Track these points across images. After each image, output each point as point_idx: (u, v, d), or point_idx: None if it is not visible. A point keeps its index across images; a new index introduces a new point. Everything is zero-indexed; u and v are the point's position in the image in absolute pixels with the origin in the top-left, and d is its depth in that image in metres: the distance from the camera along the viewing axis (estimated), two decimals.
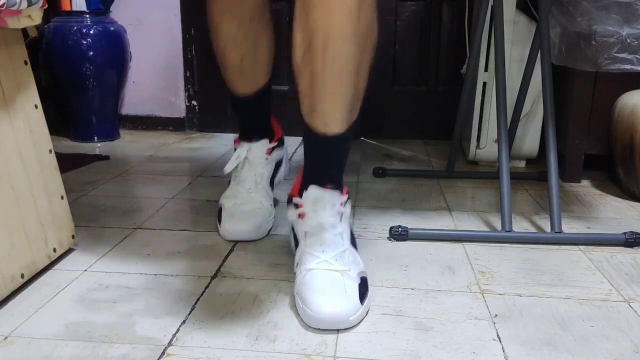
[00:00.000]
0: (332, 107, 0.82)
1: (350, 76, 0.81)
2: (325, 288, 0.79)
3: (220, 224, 1.11)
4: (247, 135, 1.15)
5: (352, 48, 0.78)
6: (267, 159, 1.15)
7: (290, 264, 0.96)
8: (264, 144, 1.15)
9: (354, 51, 0.79)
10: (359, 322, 0.80)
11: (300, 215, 0.89)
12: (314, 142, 0.87)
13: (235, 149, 1.16)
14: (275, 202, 1.21)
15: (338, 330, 0.78)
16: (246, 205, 1.11)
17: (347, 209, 0.91)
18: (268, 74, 1.12)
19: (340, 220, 0.88)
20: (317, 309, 0.76)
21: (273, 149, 1.17)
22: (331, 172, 0.90)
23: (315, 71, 0.79)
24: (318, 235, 0.85)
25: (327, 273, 0.81)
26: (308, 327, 0.79)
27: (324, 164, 0.90)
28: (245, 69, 1.07)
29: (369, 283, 0.87)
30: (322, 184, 0.87)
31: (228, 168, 1.13)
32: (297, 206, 0.91)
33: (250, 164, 1.14)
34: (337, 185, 0.89)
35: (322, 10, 0.76)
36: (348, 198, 0.92)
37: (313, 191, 0.87)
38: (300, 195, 0.90)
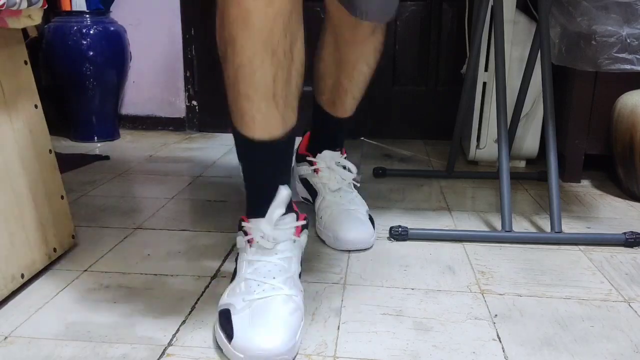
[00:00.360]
0: (352, 101, 1.13)
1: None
2: (353, 218, 1.06)
3: (229, 340, 0.71)
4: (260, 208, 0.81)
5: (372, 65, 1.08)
6: (294, 241, 0.82)
7: None
8: (289, 221, 0.82)
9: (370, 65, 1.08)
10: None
11: (316, 171, 1.14)
12: (333, 124, 1.15)
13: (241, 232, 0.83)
14: None
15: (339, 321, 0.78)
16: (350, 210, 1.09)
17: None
18: (297, 107, 0.80)
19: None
20: (347, 235, 1.03)
21: (302, 227, 0.85)
22: (341, 141, 1.18)
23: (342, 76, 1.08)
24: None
25: (349, 212, 1.07)
26: (307, 330, 0.79)
27: (339, 138, 1.18)
28: (277, 94, 0.74)
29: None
30: (334, 149, 1.15)
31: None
32: (311, 163, 1.15)
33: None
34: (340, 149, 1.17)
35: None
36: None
37: (330, 155, 1.14)
38: (314, 156, 1.16)
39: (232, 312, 0.73)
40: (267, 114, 0.75)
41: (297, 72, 0.77)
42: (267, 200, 0.78)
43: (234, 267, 0.83)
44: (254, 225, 0.79)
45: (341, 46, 1.03)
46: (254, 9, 0.69)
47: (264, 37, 0.70)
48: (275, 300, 0.73)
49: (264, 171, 0.81)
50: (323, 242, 1.08)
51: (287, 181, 0.81)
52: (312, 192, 1.19)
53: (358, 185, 1.17)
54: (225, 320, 0.73)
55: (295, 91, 0.77)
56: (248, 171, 0.82)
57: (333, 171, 1.13)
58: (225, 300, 0.77)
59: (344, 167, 1.14)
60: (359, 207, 1.10)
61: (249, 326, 0.70)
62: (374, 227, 1.09)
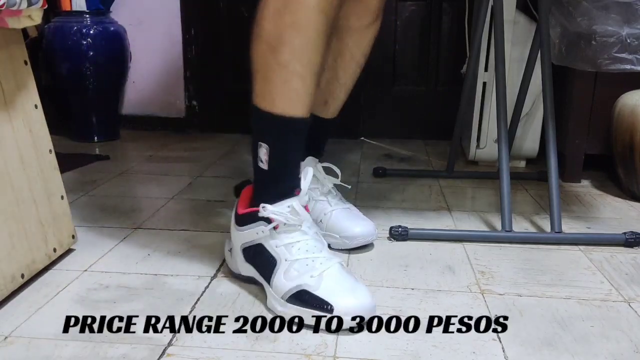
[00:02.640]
0: (342, 97, 1.11)
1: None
2: (354, 217, 1.07)
3: (330, 311, 0.77)
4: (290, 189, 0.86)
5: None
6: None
7: None
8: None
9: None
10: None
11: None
12: (323, 126, 1.11)
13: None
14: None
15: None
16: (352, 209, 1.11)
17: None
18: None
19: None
20: (355, 231, 1.04)
21: None
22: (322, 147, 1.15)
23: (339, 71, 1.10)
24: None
25: (347, 210, 1.08)
26: (307, 330, 0.79)
27: (325, 140, 1.16)
28: (320, 72, 0.84)
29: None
30: (318, 156, 1.11)
31: None
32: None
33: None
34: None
35: None
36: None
37: (311, 159, 1.08)
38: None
39: (310, 290, 0.79)
40: (313, 92, 0.82)
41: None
42: (297, 179, 0.86)
43: (258, 259, 0.86)
44: (279, 209, 0.83)
45: (344, 36, 1.03)
46: None
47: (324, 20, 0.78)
48: (337, 268, 0.82)
49: (299, 148, 0.87)
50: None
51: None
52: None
53: (349, 187, 1.19)
54: (309, 299, 0.78)
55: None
56: (284, 152, 0.85)
57: (321, 174, 1.10)
58: (287, 285, 0.81)
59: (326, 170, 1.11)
60: (350, 205, 1.12)
61: (340, 293, 0.78)
62: None
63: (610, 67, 1.33)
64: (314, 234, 0.86)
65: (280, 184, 0.85)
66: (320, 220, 1.08)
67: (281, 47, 0.78)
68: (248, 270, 0.89)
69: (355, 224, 1.06)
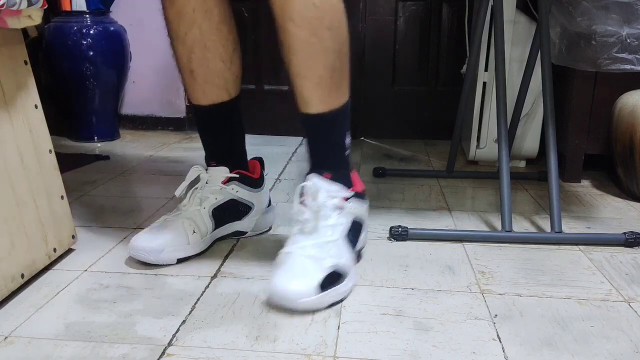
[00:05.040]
0: (304, 88, 0.87)
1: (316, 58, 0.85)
2: (289, 267, 0.84)
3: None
4: (206, 158, 1.07)
5: (308, 32, 0.83)
6: (220, 188, 1.04)
7: None
8: (220, 170, 1.04)
9: (312, 34, 0.83)
10: (315, 311, 0.82)
11: (302, 202, 0.91)
12: (301, 123, 0.92)
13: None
14: (270, 202, 1.18)
15: (325, 321, 0.78)
16: (163, 221, 1.01)
17: (354, 206, 0.94)
18: (224, 88, 1.01)
19: (338, 213, 0.90)
20: (274, 283, 0.82)
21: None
22: (328, 161, 0.93)
23: (283, 54, 0.87)
24: (307, 223, 0.88)
25: (299, 257, 0.85)
26: (306, 330, 0.79)
27: (318, 150, 0.93)
28: (195, 71, 1.00)
29: (349, 281, 0.87)
30: (320, 172, 0.91)
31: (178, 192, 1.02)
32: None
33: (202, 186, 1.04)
34: (337, 177, 0.92)
35: None
36: (359, 197, 0.96)
37: (311, 178, 0.90)
38: None
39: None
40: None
41: None
42: None
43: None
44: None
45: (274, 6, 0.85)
46: None
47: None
48: None
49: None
50: None
51: None
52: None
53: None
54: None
55: None
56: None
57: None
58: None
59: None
60: (325, 255, 0.87)
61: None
62: (331, 286, 0.84)
63: (610, 67, 1.33)
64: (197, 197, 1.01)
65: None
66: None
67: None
68: None
69: (283, 276, 0.83)
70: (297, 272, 0.83)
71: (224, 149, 1.07)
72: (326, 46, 0.83)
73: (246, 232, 1.10)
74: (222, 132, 1.06)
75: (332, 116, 0.89)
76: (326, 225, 0.88)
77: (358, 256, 1.01)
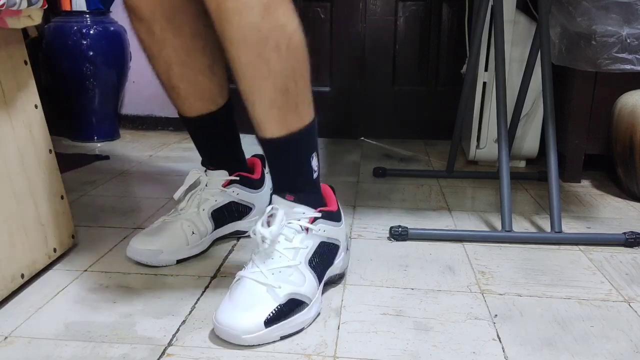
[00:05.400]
0: (255, 112, 0.80)
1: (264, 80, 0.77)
2: (238, 298, 0.77)
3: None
4: (203, 163, 1.08)
5: (253, 54, 0.75)
6: (220, 191, 1.04)
7: None
8: (220, 174, 1.05)
9: (256, 56, 0.75)
10: (261, 344, 0.74)
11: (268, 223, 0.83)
12: (262, 148, 0.85)
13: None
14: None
15: (323, 327, 0.78)
16: (162, 223, 1.00)
17: (323, 227, 0.86)
18: (209, 99, 0.99)
19: (303, 236, 0.83)
20: (218, 317, 0.75)
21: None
22: (289, 183, 0.85)
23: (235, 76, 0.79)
24: (264, 246, 0.80)
25: (252, 284, 0.78)
26: (307, 330, 0.79)
27: (279, 173, 0.86)
28: (176, 87, 0.97)
29: (311, 309, 0.80)
30: (282, 195, 0.84)
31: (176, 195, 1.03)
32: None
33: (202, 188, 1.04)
34: (301, 198, 0.84)
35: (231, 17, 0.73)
36: (330, 217, 0.87)
37: (273, 200, 0.85)
38: None
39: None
40: None
41: None
42: None
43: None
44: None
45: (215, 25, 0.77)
46: None
47: None
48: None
49: None
50: None
51: None
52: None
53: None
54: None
55: None
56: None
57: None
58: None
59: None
60: (281, 283, 0.79)
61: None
62: (283, 319, 0.76)
63: (610, 67, 1.33)
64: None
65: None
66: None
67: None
68: None
69: (229, 310, 0.76)
70: (245, 304, 0.75)
71: (219, 155, 1.06)
72: (274, 68, 0.75)
73: (246, 232, 1.10)
74: (214, 139, 1.04)
75: (291, 140, 0.81)
76: (287, 248, 0.81)
77: (339, 279, 0.93)
